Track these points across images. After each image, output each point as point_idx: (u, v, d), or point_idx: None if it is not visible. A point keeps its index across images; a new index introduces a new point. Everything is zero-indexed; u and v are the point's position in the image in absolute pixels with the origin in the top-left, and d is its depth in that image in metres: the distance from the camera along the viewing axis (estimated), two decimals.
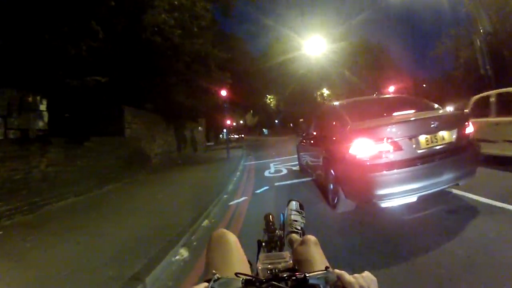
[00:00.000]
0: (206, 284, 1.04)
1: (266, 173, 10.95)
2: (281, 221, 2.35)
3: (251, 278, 1.06)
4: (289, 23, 51.83)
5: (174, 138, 17.32)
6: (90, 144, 9.02)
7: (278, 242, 2.14)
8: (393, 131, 4.14)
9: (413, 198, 3.99)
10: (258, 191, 7.89)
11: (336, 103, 6.23)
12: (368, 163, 4.10)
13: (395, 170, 3.94)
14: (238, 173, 11.75)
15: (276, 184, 8.57)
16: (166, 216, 5.84)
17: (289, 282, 1.08)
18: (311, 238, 1.63)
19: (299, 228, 2.22)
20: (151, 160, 13.44)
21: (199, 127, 25.91)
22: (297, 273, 1.07)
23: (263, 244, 2.09)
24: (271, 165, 13.13)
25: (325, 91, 55.62)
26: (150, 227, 5.24)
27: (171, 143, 16.78)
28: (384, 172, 3.94)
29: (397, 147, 4.08)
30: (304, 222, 2.32)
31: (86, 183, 8.65)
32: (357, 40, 47.51)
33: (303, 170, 9.17)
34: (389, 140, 4.07)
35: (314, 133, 7.37)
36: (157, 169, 13.52)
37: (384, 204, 4.02)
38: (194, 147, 22.36)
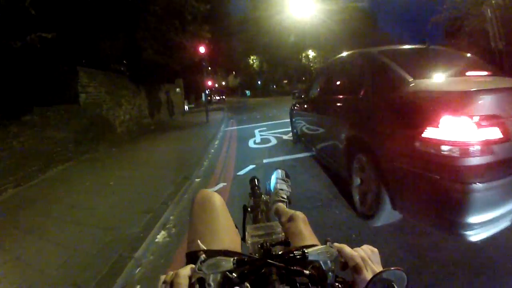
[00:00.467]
0: (192, 266, 0.88)
1: (251, 143, 9.33)
2: (267, 189, 2.26)
3: (243, 257, 0.90)
4: None
5: (146, 102, 15.40)
6: (30, 118, 7.14)
7: (264, 208, 2.06)
8: (501, 103, 2.24)
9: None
10: (241, 173, 6.14)
11: (374, 49, 3.89)
12: (462, 162, 2.18)
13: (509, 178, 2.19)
14: (216, 142, 10.19)
15: (265, 161, 6.86)
16: (103, 224, 4.05)
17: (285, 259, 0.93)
18: (300, 214, 1.58)
19: (285, 197, 2.13)
20: (115, 129, 11.60)
21: (177, 89, 23.90)
22: (294, 250, 0.94)
23: (249, 209, 1.99)
24: (256, 132, 11.53)
25: (311, 53, 53.69)
26: (71, 250, 3.53)
27: (142, 107, 14.88)
28: (493, 181, 2.16)
29: (508, 135, 2.22)
30: (290, 191, 2.23)
31: (27, 168, 6.89)
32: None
33: (299, 141, 7.69)
34: (498, 121, 2.20)
35: (325, 96, 5.21)
36: (123, 140, 11.77)
37: (476, 237, 2.24)
38: (170, 110, 20.45)
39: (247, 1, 55.19)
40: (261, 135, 10.65)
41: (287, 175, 2.35)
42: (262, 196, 2.16)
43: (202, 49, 15.86)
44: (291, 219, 1.56)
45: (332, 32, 43.77)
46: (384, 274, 0.79)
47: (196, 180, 6.09)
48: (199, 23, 15.80)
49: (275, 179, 2.30)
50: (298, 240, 1.36)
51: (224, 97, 70.15)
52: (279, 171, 2.37)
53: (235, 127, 14.14)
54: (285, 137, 9.61)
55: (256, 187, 2.23)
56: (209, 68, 40.40)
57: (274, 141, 9.22)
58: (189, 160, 7.35)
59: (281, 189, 2.19)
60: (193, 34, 15.03)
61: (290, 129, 10.45)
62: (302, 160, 6.64)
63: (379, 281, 0.79)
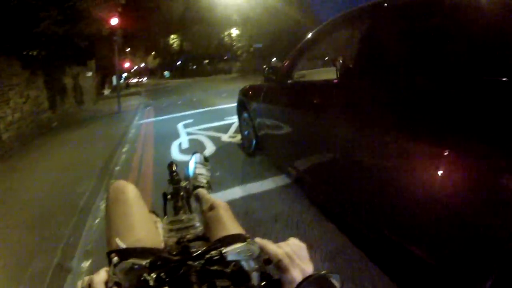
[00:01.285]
0: (107, 269, 0.88)
1: (175, 151, 6.86)
2: (186, 174, 2.16)
3: (160, 256, 0.87)
4: None
5: (45, 91, 12.36)
6: None
7: (185, 194, 1.93)
8: None
9: None
10: None
11: None
12: None
13: None
14: (125, 148, 7.88)
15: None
16: None
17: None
18: (221, 203, 1.51)
19: (205, 181, 2.08)
20: None
21: (88, 73, 20.51)
22: (212, 248, 0.85)
23: (169, 196, 1.89)
24: (181, 127, 9.29)
25: (234, 31, 51.62)
26: None
27: (40, 99, 11.89)
28: None
29: None
30: (210, 175, 2.20)
31: None
32: None
33: (261, 150, 5.26)
34: None
35: (347, 79, 2.66)
36: (9, 150, 8.94)
37: None
38: (79, 99, 17.28)
39: None
40: (188, 133, 8.40)
41: (205, 159, 2.28)
42: (181, 182, 2.00)
43: (114, 21, 13.09)
44: (211, 207, 1.48)
45: (259, 7, 42.15)
46: (316, 278, 0.70)
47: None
48: None
49: (194, 163, 2.21)
50: (219, 230, 1.26)
51: (142, 79, 65.92)
52: (198, 154, 2.31)
53: (152, 119, 11.94)
54: (225, 137, 7.39)
55: (175, 173, 2.04)
56: (128, 48, 36.79)
57: (210, 147, 6.74)
58: (68, 207, 4.19)
59: (200, 174, 2.12)
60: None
61: (229, 122, 8.60)
62: (275, 197, 3.93)
63: (310, 285, 0.69)
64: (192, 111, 12.06)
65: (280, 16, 43.01)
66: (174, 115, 11.89)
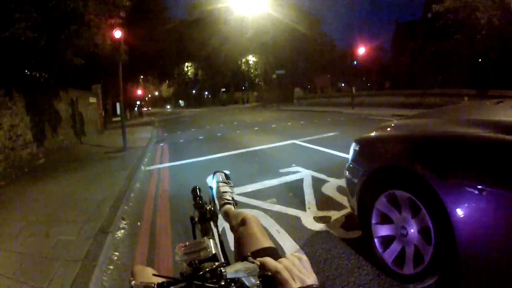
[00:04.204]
0: None
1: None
2: (210, 195, 2.11)
3: (164, 280, 0.95)
4: None
5: (27, 118, 9.51)
6: None
7: (212, 216, 1.87)
8: None
9: None
10: None
11: None
12: None
13: None
14: (118, 234, 4.42)
15: None
16: None
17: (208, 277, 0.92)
18: (252, 217, 1.58)
19: (230, 199, 2.08)
20: None
21: (91, 98, 17.94)
22: (215, 269, 0.92)
23: (196, 220, 1.86)
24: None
25: (251, 58, 49.76)
26: None
27: (19, 129, 9.00)
28: None
29: None
30: (233, 192, 2.18)
31: None
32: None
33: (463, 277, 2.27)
34: None
35: None
36: None
37: None
38: (79, 129, 14.50)
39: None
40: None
41: (227, 177, 2.25)
42: (205, 205, 1.94)
43: (117, 33, 10.21)
44: (243, 222, 1.55)
45: (277, 34, 40.23)
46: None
47: None
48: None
49: (216, 183, 2.20)
50: (251, 243, 1.35)
51: (149, 108, 64.07)
52: (218, 174, 2.26)
53: (167, 165, 8.64)
54: (307, 218, 4.08)
55: (198, 197, 1.97)
56: (141, 76, 34.64)
57: (287, 248, 3.38)
58: None
59: (225, 192, 2.13)
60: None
61: (293, 178, 5.92)
62: None
63: None
64: (223, 154, 8.99)
65: (296, 41, 41.14)
66: (198, 159, 8.77)
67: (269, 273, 0.84)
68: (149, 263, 3.43)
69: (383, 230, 2.83)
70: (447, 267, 2.29)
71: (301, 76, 47.22)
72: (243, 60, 51.15)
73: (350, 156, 3.47)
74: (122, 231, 4.44)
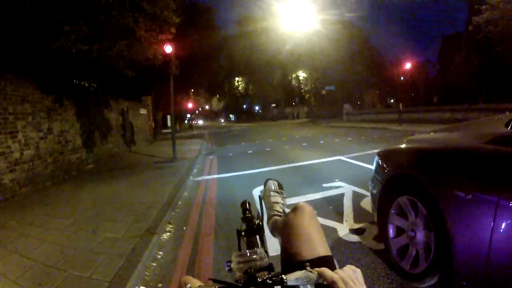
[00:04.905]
0: None
1: None
2: (258, 209, 1.95)
3: (224, 285, 1.02)
4: None
5: (77, 125, 9.86)
6: None
7: (258, 230, 1.83)
8: None
9: None
10: None
11: None
12: None
13: None
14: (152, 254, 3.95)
15: None
16: None
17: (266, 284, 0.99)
18: (306, 207, 1.47)
19: (281, 210, 1.99)
20: None
21: (141, 110, 18.50)
22: (274, 276, 0.98)
23: (243, 233, 1.80)
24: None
25: (301, 74, 49.60)
26: None
27: (68, 135, 9.32)
28: None
29: None
30: (285, 203, 2.08)
31: None
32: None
33: None
34: None
35: None
36: (13, 196, 6.56)
37: None
38: (128, 138, 14.91)
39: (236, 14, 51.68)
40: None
41: (280, 186, 2.16)
42: (254, 219, 1.88)
43: (168, 49, 10.42)
44: (295, 210, 1.47)
45: (327, 50, 39.81)
46: None
47: None
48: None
49: (268, 191, 2.13)
50: (308, 248, 1.28)
51: (195, 121, 65.47)
52: (271, 182, 2.16)
53: (215, 176, 8.46)
54: (343, 229, 4.18)
55: (248, 211, 1.91)
56: (191, 89, 35.42)
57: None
58: None
59: (276, 202, 2.05)
60: (153, 16, 9.45)
61: (334, 193, 5.87)
62: None
63: None
64: (270, 168, 8.85)
65: (345, 57, 40.45)
66: (246, 172, 8.63)
67: (326, 283, 0.89)
68: (190, 266, 3.56)
69: (398, 238, 3.02)
70: (446, 268, 2.44)
71: (351, 92, 46.30)
72: (293, 75, 51.08)
73: (373, 168, 3.70)
74: (168, 233, 4.59)
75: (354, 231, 4.08)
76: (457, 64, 37.43)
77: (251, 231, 1.84)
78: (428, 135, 3.78)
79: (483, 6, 17.99)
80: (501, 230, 2.00)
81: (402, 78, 34.92)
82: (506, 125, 2.68)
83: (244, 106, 71.47)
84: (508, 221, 1.98)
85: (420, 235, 2.71)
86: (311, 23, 36.35)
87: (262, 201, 2.07)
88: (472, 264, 2.25)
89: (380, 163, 3.49)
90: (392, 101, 50.86)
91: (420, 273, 2.70)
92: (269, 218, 1.97)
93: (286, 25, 38.06)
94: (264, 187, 2.20)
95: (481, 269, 2.17)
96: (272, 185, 2.16)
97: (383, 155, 3.52)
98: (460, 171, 2.42)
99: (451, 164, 2.55)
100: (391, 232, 3.10)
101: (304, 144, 14.51)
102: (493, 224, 2.02)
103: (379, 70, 44.54)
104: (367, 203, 4.94)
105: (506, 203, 1.97)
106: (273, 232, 1.86)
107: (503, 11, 17.33)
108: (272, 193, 2.13)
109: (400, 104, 25.76)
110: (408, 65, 26.49)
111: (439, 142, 3.23)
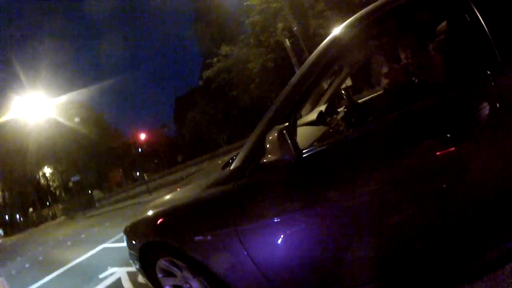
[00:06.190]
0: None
1: None
2: None
3: None
4: None
5: None
6: None
7: None
8: None
9: None
10: None
11: None
12: None
13: None
14: None
15: None
16: None
17: None
18: None
19: None
20: None
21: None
22: None
23: None
24: None
25: (47, 170, 46.85)
26: None
27: None
28: None
29: None
30: None
31: None
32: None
33: None
34: None
35: None
36: None
37: None
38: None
39: None
40: None
41: None
42: None
43: None
44: None
45: (66, 137, 38.65)
46: None
47: None
48: None
49: None
50: None
51: None
52: None
53: None
54: None
55: None
56: None
57: None
58: None
59: None
60: None
61: (110, 281, 6.01)
62: None
63: None
64: (50, 276, 8.63)
65: (84, 140, 40.32)
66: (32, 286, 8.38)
67: None
68: None
69: None
70: None
71: (96, 177, 46.06)
72: (40, 173, 47.91)
73: (126, 245, 3.67)
74: None
75: None
76: (191, 120, 40.12)
77: None
78: (169, 195, 3.96)
79: (215, 59, 20.14)
80: (255, 248, 2.21)
81: (140, 150, 36.56)
82: (223, 168, 2.95)
83: (6, 217, 63.92)
84: (253, 237, 2.19)
85: (195, 283, 2.79)
86: (44, 114, 33.75)
87: None
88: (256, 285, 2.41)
89: (129, 239, 3.51)
90: (138, 173, 52.49)
91: None
92: None
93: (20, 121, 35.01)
94: None
95: (265, 284, 2.35)
96: None
97: (128, 231, 3.54)
98: (190, 220, 2.62)
99: (181, 218, 2.73)
100: None
101: (68, 243, 14.67)
102: (245, 246, 2.19)
103: (119, 147, 45.59)
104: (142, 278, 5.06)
105: (242, 228, 2.18)
106: None
107: (237, 58, 19.66)
108: None
109: (145, 175, 26.56)
110: (143, 136, 27.54)
111: (170, 202, 3.38)
